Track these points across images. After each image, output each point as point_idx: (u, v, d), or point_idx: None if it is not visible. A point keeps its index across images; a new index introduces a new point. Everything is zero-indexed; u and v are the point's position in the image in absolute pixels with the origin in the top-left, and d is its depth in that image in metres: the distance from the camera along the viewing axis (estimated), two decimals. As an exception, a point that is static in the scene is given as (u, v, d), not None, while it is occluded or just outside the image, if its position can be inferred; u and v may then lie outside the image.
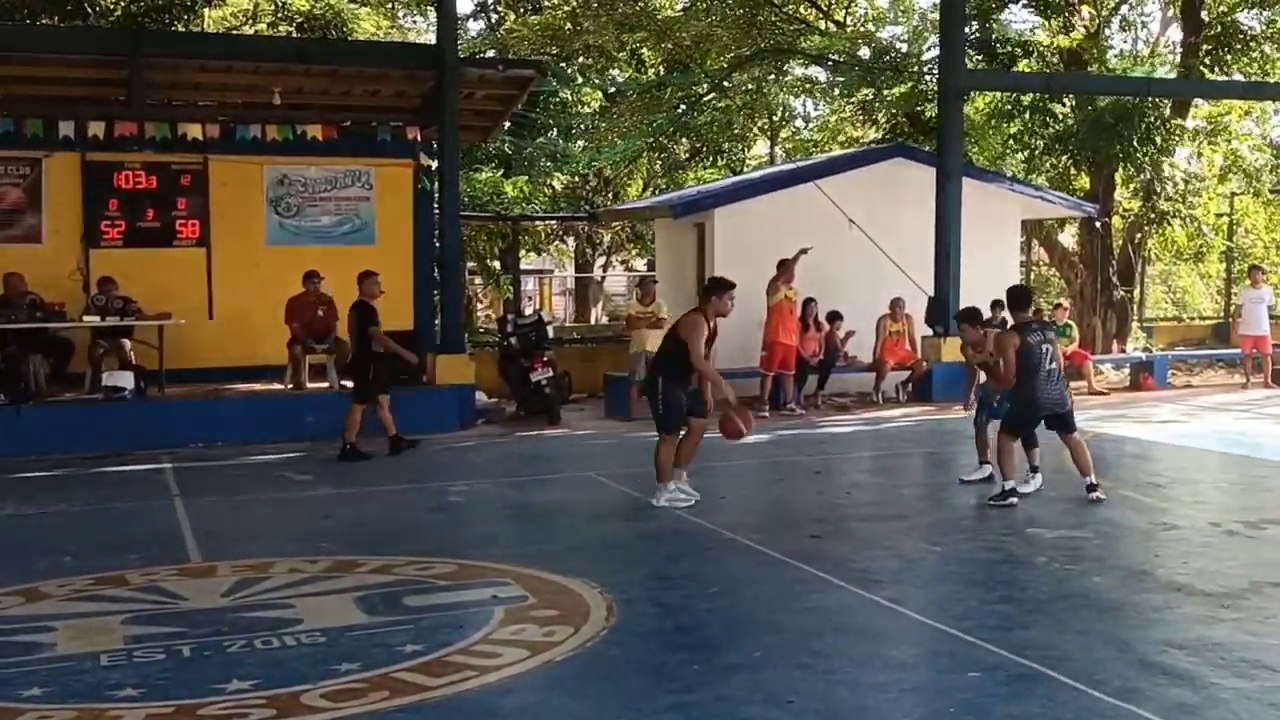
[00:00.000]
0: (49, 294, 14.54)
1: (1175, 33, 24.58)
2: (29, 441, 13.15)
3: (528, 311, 22.45)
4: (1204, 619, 6.76)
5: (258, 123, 15.44)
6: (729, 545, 8.82)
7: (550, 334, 17.71)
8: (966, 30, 20.34)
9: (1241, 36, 22.64)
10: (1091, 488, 10.11)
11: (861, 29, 26.56)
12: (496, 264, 29.67)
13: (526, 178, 27.37)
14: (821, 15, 26.25)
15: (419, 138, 16.26)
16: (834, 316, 17.29)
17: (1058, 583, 7.63)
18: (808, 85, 28.74)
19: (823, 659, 6.16)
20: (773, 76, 26.54)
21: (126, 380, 14.13)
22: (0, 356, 13.72)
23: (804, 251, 16.17)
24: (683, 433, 10.21)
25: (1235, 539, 8.86)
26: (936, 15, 21.23)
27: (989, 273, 17.39)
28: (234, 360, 15.95)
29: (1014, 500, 9.95)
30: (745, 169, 30.88)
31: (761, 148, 33.71)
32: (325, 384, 15.04)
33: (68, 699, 5.69)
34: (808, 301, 16.76)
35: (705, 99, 26.89)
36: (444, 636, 6.62)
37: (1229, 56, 22.64)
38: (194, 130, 15.16)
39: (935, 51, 21.10)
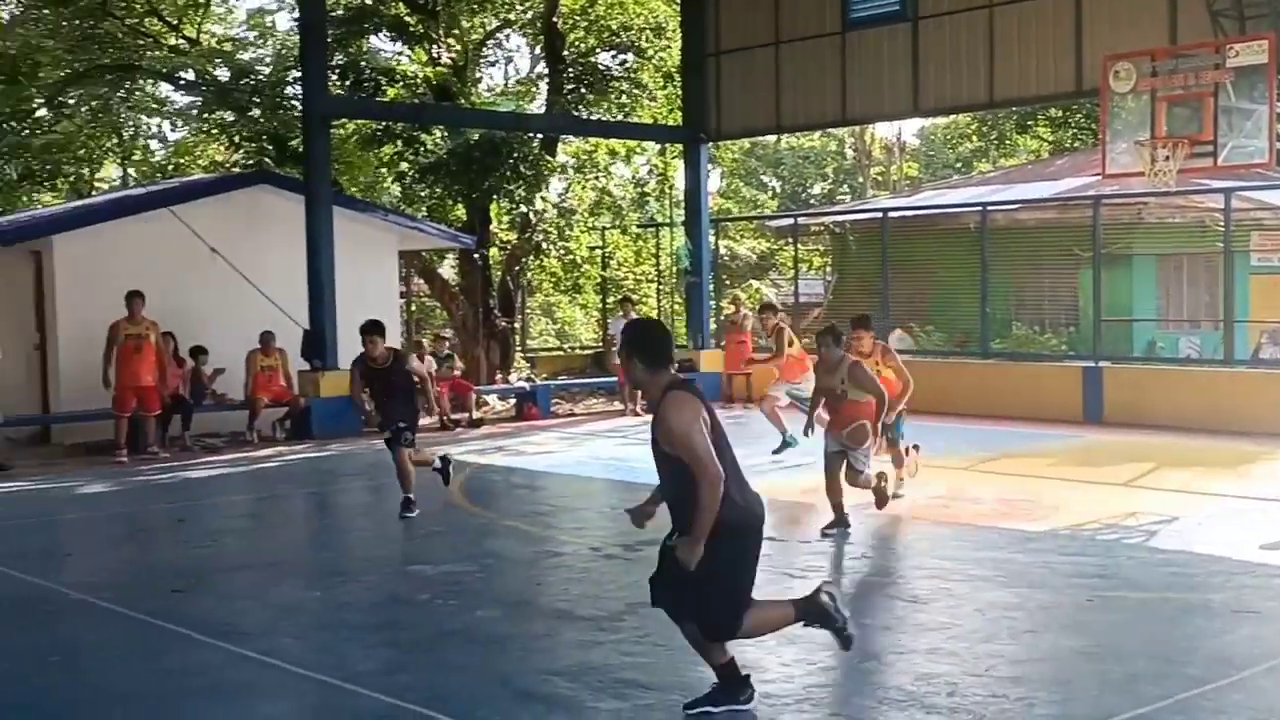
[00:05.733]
0: None
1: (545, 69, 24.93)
2: None
3: None
4: (583, 644, 6.73)
5: None
6: (76, 607, 7.77)
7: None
8: (338, 57, 19.55)
9: (600, 76, 23.32)
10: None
11: (218, 48, 24.81)
12: None
13: None
14: (170, 30, 24.31)
15: None
16: (198, 351, 15.84)
17: (440, 620, 7.32)
18: (157, 104, 26.52)
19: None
20: (121, 95, 24.30)
21: None
22: None
23: None
24: None
25: (614, 562, 8.82)
26: (297, 38, 20.03)
27: (366, 304, 16.26)
28: None
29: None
30: (94, 192, 28.03)
31: (114, 170, 31.11)
32: None
33: None
34: (165, 334, 15.09)
35: (36, 115, 24.22)
36: None
37: (590, 95, 23.25)
38: None
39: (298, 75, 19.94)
